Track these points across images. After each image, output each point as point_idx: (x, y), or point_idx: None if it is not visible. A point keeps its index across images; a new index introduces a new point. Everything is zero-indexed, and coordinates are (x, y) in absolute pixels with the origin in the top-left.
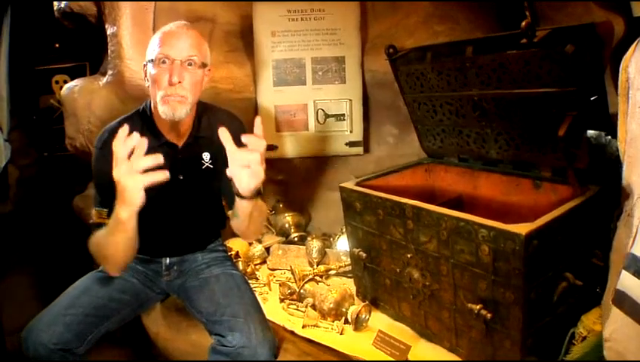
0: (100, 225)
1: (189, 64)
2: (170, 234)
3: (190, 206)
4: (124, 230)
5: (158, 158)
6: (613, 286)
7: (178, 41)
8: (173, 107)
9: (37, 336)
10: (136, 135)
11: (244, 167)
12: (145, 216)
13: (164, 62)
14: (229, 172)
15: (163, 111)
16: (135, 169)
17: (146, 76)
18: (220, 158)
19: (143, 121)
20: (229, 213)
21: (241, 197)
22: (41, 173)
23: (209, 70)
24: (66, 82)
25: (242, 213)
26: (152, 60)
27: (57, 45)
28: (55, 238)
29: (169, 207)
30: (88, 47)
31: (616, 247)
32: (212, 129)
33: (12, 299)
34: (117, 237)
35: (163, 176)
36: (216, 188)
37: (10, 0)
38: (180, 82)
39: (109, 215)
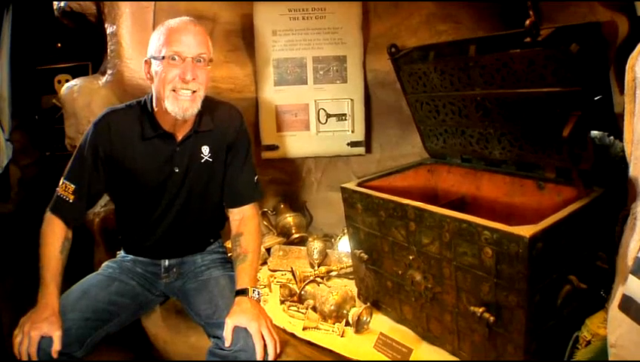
0: (60, 199)
1: (199, 60)
2: (168, 233)
3: (188, 202)
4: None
5: None
6: (619, 291)
7: (187, 37)
8: (184, 107)
9: None
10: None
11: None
12: (142, 211)
13: (173, 58)
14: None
15: (172, 110)
16: None
17: (148, 72)
18: (220, 152)
19: (144, 113)
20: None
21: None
22: (43, 172)
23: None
24: (68, 82)
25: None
26: (158, 57)
27: (59, 45)
28: None
29: (166, 202)
30: (90, 47)
31: (622, 251)
32: (213, 123)
33: (13, 300)
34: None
35: None
36: (216, 186)
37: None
38: (193, 79)
39: (74, 192)
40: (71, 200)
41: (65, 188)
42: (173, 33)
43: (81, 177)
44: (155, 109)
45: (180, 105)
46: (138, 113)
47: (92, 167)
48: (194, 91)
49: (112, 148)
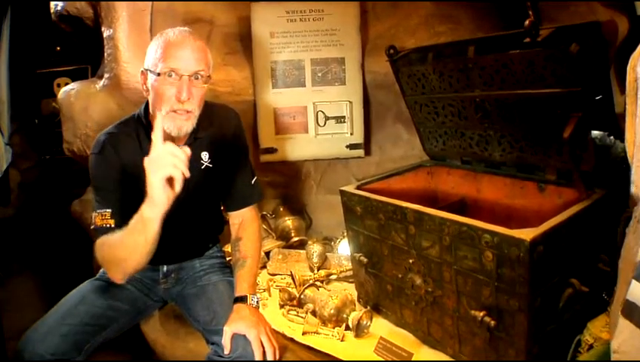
0: (102, 228)
1: (196, 78)
2: (167, 239)
3: (188, 208)
4: (144, 231)
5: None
6: (622, 295)
7: (185, 53)
8: (179, 125)
9: (33, 347)
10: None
11: None
12: None
13: (170, 75)
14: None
15: (168, 127)
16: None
17: (144, 84)
18: (218, 156)
19: (140, 126)
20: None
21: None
22: (42, 176)
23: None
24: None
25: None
26: (155, 72)
27: (59, 48)
28: (57, 242)
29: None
30: (90, 50)
31: (625, 255)
32: (211, 128)
33: (13, 303)
34: (137, 238)
35: (180, 171)
36: (215, 190)
37: (10, 2)
38: (189, 99)
39: (112, 216)
40: (112, 225)
41: (102, 218)
42: (170, 47)
43: (111, 200)
44: (152, 121)
45: (175, 124)
46: (134, 128)
47: (117, 185)
48: (188, 111)
49: (121, 166)
